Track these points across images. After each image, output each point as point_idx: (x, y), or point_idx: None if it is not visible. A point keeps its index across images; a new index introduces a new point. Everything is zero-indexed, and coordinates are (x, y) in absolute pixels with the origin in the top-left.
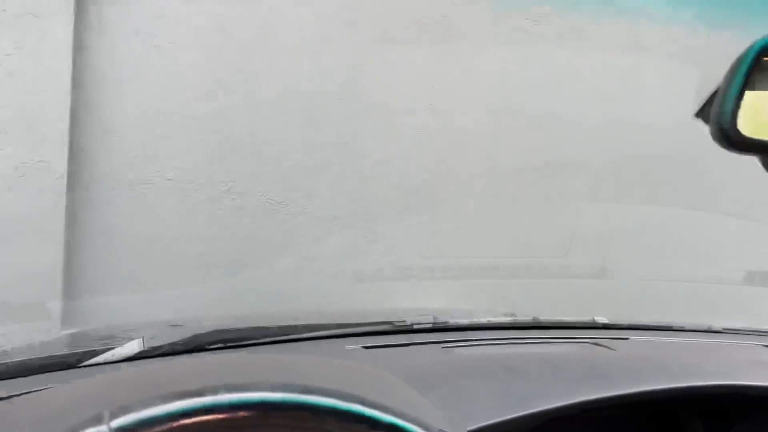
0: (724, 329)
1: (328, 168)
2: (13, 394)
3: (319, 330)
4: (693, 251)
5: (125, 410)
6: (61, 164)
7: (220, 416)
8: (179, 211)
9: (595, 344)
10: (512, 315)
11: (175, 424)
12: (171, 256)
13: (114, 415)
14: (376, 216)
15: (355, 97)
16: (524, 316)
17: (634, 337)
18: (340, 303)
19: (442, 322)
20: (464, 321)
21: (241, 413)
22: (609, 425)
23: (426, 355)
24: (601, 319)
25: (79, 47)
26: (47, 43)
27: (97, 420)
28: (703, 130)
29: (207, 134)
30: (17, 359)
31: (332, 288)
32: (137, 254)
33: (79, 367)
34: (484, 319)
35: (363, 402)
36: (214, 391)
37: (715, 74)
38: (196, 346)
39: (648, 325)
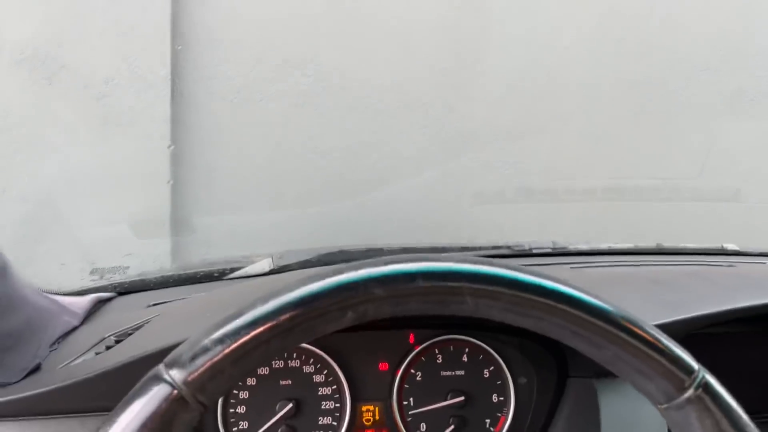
0: None
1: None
2: (169, 300)
3: (439, 251)
4: None
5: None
6: (165, 108)
7: None
8: (277, 151)
9: (731, 266)
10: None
11: None
12: (274, 189)
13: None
14: (497, 138)
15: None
16: (646, 243)
17: None
18: (460, 226)
19: (562, 247)
20: (584, 246)
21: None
22: (757, 341)
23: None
24: (732, 246)
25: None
26: None
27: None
28: None
29: (300, 78)
30: (164, 274)
31: (452, 211)
32: (238, 191)
33: (222, 279)
34: (604, 245)
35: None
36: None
37: None
38: (322, 263)
39: None
